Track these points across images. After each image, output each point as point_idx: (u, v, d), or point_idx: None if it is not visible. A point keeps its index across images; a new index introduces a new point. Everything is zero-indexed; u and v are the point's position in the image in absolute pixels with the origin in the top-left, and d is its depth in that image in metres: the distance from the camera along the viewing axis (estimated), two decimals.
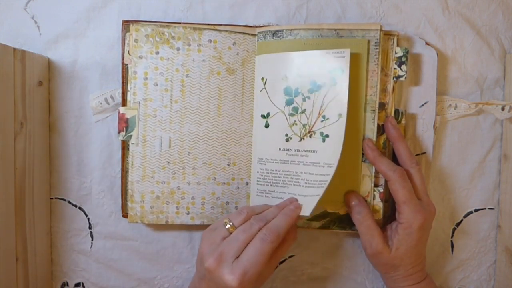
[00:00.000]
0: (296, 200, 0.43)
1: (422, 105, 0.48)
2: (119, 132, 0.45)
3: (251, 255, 0.37)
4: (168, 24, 0.45)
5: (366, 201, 0.45)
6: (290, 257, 0.51)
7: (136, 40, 0.44)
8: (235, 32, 0.46)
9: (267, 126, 0.45)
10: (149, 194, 0.46)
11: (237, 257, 0.37)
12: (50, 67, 0.48)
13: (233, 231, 0.39)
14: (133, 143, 0.45)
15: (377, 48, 0.43)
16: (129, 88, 0.45)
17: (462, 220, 0.51)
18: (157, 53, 0.45)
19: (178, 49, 0.45)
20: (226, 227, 0.40)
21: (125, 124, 0.45)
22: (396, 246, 0.42)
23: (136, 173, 0.46)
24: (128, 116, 0.45)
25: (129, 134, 0.45)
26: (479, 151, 0.50)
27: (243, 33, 0.46)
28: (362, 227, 0.43)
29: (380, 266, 0.44)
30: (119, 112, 0.45)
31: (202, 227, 0.49)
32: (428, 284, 0.45)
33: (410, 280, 0.44)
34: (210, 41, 0.45)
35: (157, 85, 0.45)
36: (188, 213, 0.47)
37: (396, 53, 0.45)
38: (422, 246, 0.44)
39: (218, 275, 0.37)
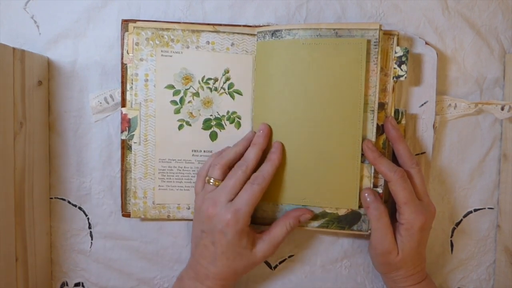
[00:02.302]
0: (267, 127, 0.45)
1: (422, 105, 0.48)
2: (122, 131, 0.46)
3: (243, 197, 0.41)
4: (168, 28, 0.45)
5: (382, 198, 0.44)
6: (289, 257, 0.51)
7: (137, 44, 0.45)
8: (234, 32, 0.46)
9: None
10: (151, 190, 0.47)
11: (231, 201, 0.41)
12: (49, 67, 0.48)
13: (220, 184, 0.43)
14: (135, 142, 0.46)
15: (376, 48, 0.43)
16: (129, 88, 0.46)
17: (461, 220, 0.51)
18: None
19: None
20: (211, 183, 0.43)
21: (127, 124, 0.46)
22: (401, 247, 0.42)
23: (139, 171, 0.47)
24: (130, 116, 0.46)
25: (132, 133, 0.46)
26: (479, 151, 0.50)
27: (242, 33, 0.46)
28: (379, 224, 0.42)
29: (384, 266, 0.44)
30: (121, 113, 0.46)
31: None
32: (427, 284, 0.45)
33: (410, 280, 0.44)
34: (208, 42, 0.46)
35: (156, 86, 0.46)
36: (188, 208, 0.48)
37: (396, 52, 0.45)
38: (423, 246, 0.44)
39: (216, 217, 0.41)
